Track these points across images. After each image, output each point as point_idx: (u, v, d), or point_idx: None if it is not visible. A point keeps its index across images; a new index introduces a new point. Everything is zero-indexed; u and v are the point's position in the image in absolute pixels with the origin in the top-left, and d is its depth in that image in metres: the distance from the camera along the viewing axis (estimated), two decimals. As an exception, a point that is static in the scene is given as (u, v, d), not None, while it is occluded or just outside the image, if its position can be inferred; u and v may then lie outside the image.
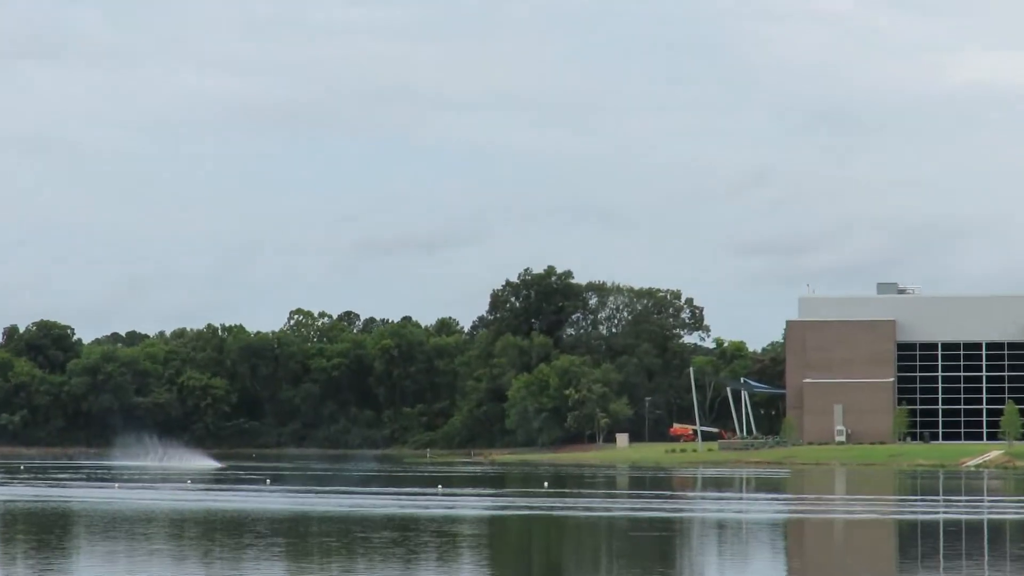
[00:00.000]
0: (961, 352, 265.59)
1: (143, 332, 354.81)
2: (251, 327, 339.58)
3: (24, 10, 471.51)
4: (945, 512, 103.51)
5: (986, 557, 67.44)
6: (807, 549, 78.78)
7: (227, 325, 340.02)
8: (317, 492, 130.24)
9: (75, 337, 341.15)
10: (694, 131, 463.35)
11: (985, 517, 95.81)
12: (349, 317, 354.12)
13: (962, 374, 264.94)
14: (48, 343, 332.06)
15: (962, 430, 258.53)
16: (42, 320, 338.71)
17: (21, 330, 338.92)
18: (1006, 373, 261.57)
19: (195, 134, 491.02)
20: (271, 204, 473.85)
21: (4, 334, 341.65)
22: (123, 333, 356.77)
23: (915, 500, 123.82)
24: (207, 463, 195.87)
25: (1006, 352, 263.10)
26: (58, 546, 73.16)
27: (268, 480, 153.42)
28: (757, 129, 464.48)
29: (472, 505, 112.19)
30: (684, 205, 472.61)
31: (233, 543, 73.79)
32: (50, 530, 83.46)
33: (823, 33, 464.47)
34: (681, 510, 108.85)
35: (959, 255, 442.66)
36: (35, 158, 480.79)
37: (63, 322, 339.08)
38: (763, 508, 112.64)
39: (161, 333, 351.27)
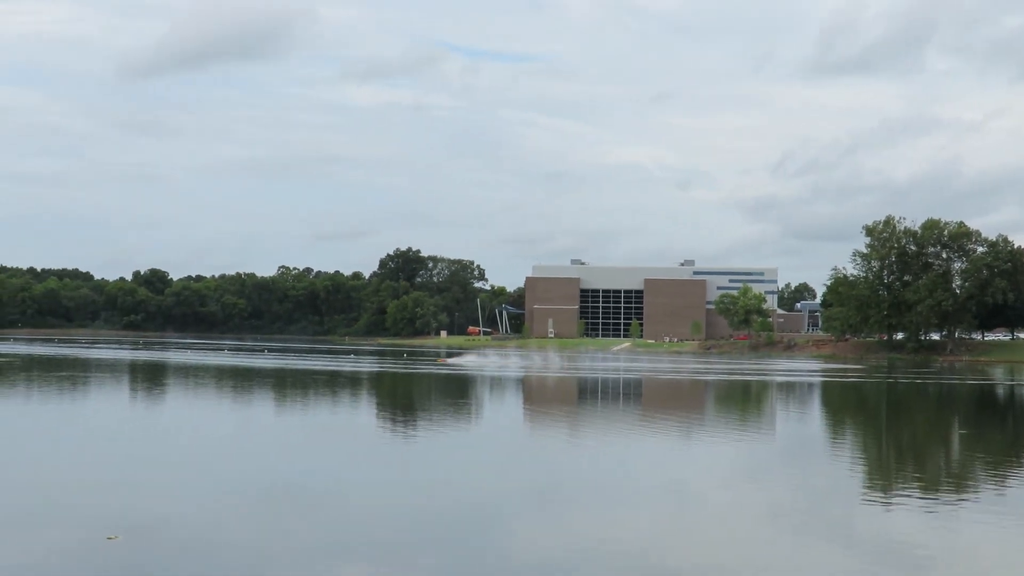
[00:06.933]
0: (611, 294, 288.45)
1: (205, 275, 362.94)
2: (259, 273, 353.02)
3: None
4: (603, 372, 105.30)
5: (621, 396, 70.40)
6: (535, 390, 77.87)
7: (246, 272, 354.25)
8: (288, 358, 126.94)
9: (170, 276, 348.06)
10: (484, 182, 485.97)
11: (621, 377, 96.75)
12: (308, 270, 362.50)
13: (612, 306, 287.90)
14: (156, 280, 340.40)
15: (611, 333, 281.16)
16: (153, 268, 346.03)
17: (142, 271, 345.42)
18: (633, 306, 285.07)
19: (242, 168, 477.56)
20: (265, 207, 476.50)
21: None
22: (194, 275, 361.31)
23: (588, 367, 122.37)
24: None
25: (633, 295, 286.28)
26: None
27: (265, 351, 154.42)
28: (513, 184, 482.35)
29: (368, 367, 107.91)
30: (476, 213, 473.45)
31: (245, 383, 73.50)
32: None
33: (547, 130, 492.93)
34: (469, 368, 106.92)
35: (615, 244, 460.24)
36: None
37: (163, 268, 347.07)
38: (516, 369, 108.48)
39: (213, 276, 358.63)
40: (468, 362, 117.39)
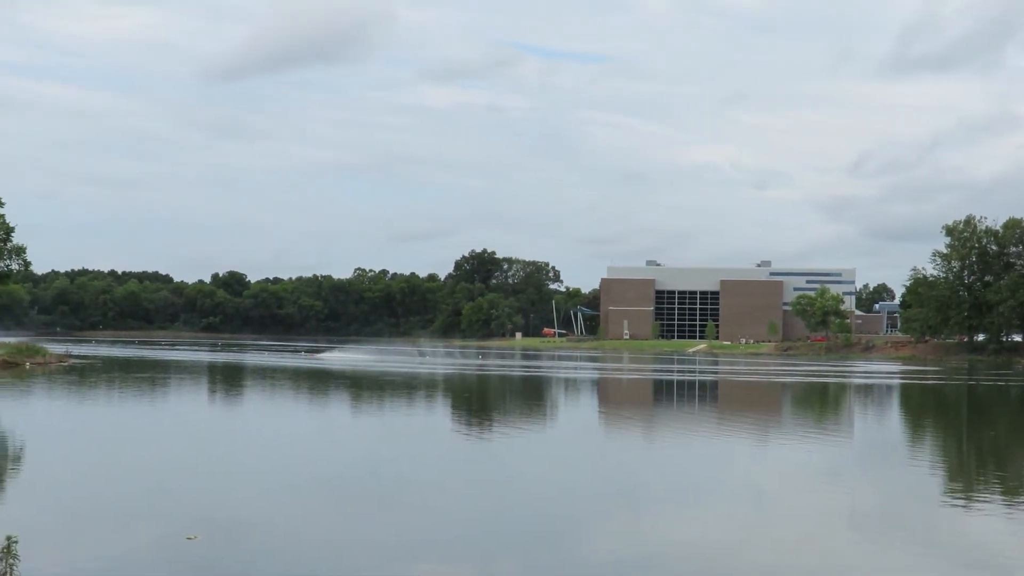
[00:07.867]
0: (687, 295, 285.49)
1: (282, 277, 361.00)
2: (335, 275, 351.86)
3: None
4: (678, 373, 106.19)
5: (696, 394, 72.59)
6: (610, 391, 78.22)
7: (322, 275, 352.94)
8: (362, 358, 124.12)
9: (247, 278, 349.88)
10: (559, 183, 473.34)
11: (697, 377, 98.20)
12: (384, 272, 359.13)
13: (687, 307, 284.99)
14: (234, 282, 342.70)
15: (687, 335, 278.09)
16: (232, 271, 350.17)
17: (220, 273, 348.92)
18: (708, 307, 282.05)
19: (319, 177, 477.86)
20: (341, 208, 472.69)
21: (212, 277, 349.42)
22: (271, 278, 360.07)
23: (663, 367, 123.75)
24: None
25: (708, 296, 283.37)
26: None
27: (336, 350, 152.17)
28: (588, 185, 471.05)
29: (443, 367, 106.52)
30: (551, 214, 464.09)
31: (316, 385, 72.15)
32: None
33: (623, 130, 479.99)
34: (545, 369, 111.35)
35: (690, 245, 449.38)
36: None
37: (241, 271, 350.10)
38: (588, 370, 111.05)
39: (290, 278, 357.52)
40: (330, 357, 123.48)
